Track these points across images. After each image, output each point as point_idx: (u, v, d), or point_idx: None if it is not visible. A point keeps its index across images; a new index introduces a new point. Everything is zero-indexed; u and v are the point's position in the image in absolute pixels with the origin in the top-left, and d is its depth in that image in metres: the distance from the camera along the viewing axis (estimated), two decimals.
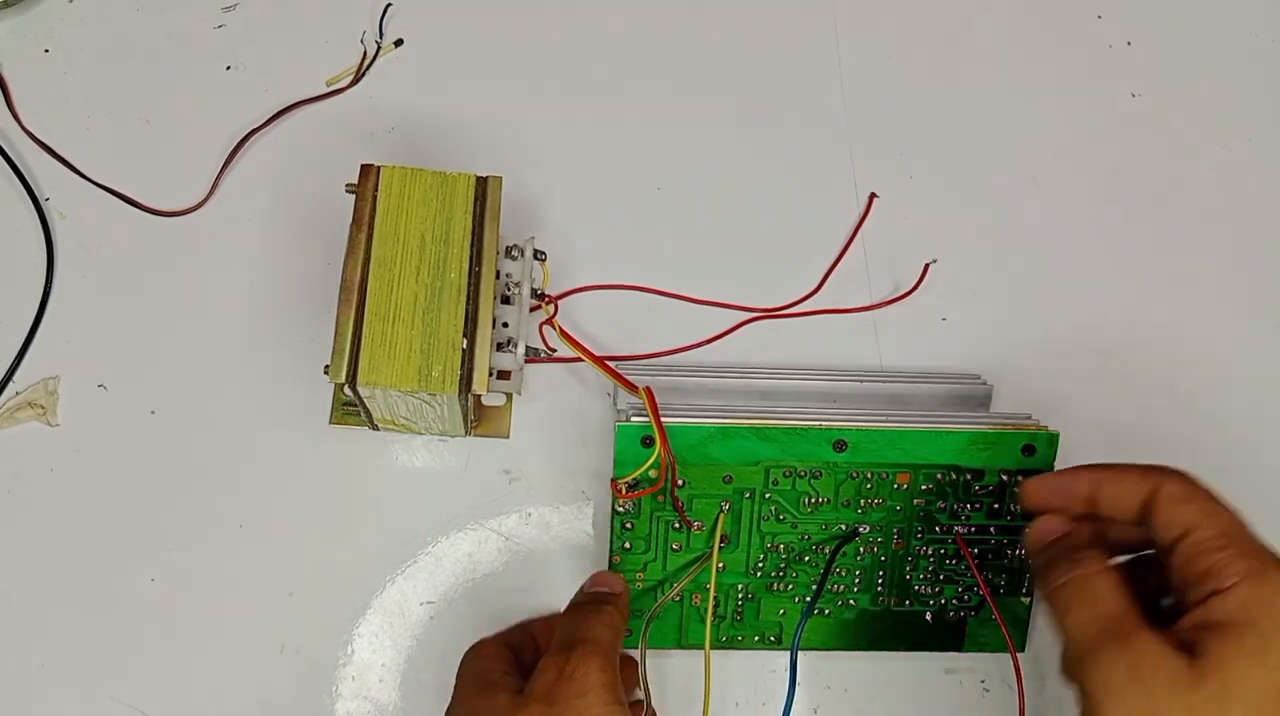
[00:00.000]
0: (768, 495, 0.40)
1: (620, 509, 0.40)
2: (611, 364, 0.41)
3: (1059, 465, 0.40)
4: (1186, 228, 0.48)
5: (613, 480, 0.39)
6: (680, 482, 0.40)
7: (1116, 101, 0.50)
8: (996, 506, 0.41)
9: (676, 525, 0.40)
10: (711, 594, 0.39)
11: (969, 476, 0.40)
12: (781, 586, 0.41)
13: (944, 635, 0.42)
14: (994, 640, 0.42)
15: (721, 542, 0.40)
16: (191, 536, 0.41)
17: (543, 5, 0.48)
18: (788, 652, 0.41)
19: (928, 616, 0.41)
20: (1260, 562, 0.32)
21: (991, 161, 0.48)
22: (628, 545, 0.40)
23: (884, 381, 0.43)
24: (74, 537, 0.41)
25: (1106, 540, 0.37)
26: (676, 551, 0.40)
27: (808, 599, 0.41)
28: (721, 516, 0.40)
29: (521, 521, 0.42)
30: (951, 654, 0.42)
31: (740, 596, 0.41)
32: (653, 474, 0.39)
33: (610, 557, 0.40)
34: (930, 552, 0.41)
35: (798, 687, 0.37)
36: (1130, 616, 0.33)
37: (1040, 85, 0.50)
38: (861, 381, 0.43)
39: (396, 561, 0.42)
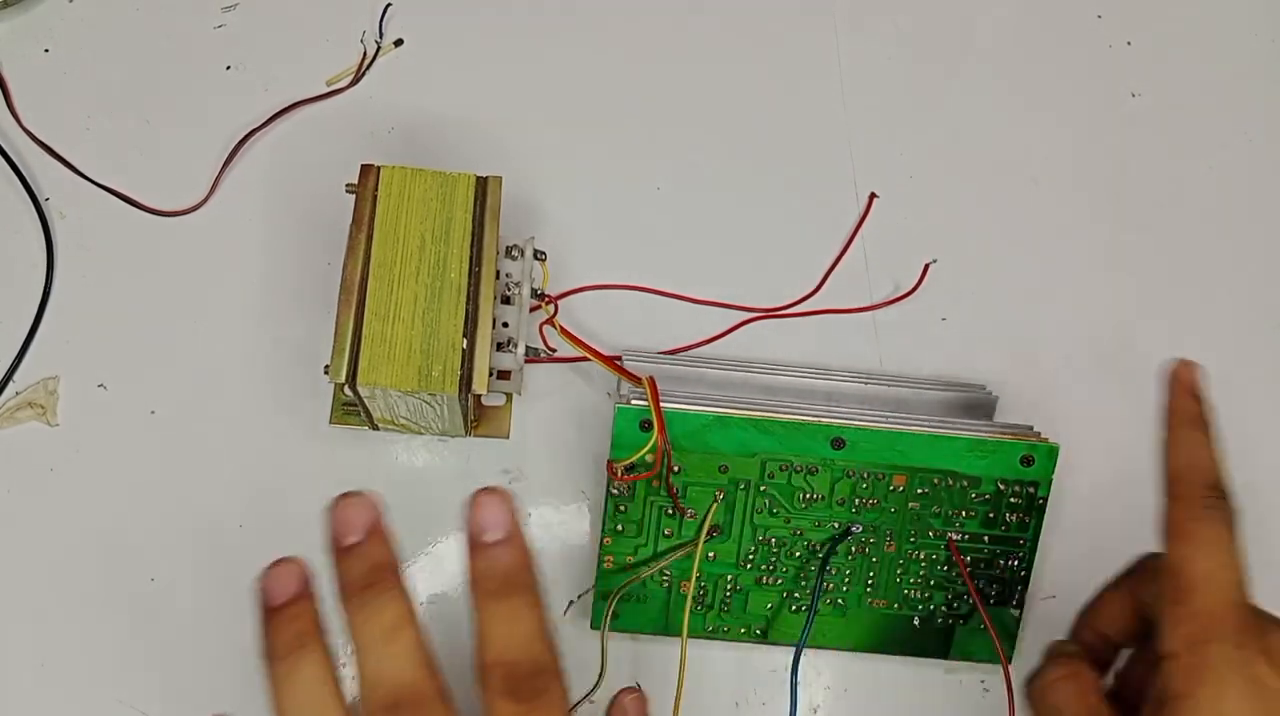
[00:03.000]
0: (763, 487, 0.40)
1: (615, 491, 0.40)
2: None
3: (1058, 477, 0.40)
4: (1186, 227, 0.48)
5: (609, 461, 0.39)
6: (676, 469, 0.40)
7: (1116, 101, 0.50)
8: (991, 515, 0.41)
9: (670, 511, 0.40)
10: (693, 581, 0.39)
11: (965, 483, 0.40)
12: (770, 580, 0.41)
13: (930, 641, 0.41)
14: (980, 649, 0.41)
15: (712, 533, 0.40)
16: (191, 536, 0.41)
17: (543, 5, 0.48)
18: (780, 649, 0.41)
19: (915, 621, 0.41)
20: (1201, 629, 0.29)
21: (991, 161, 0.48)
22: (620, 527, 0.40)
23: (889, 385, 0.43)
24: (74, 537, 0.41)
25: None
26: (668, 537, 0.40)
27: (805, 606, 0.41)
28: (714, 507, 0.40)
29: (521, 521, 0.42)
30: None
31: (728, 587, 0.41)
32: (649, 458, 0.39)
33: (601, 539, 0.40)
34: (922, 557, 0.41)
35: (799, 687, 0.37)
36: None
37: (1040, 85, 0.50)
38: (866, 383, 0.43)
39: None
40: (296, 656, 0.26)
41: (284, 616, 0.27)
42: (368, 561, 0.27)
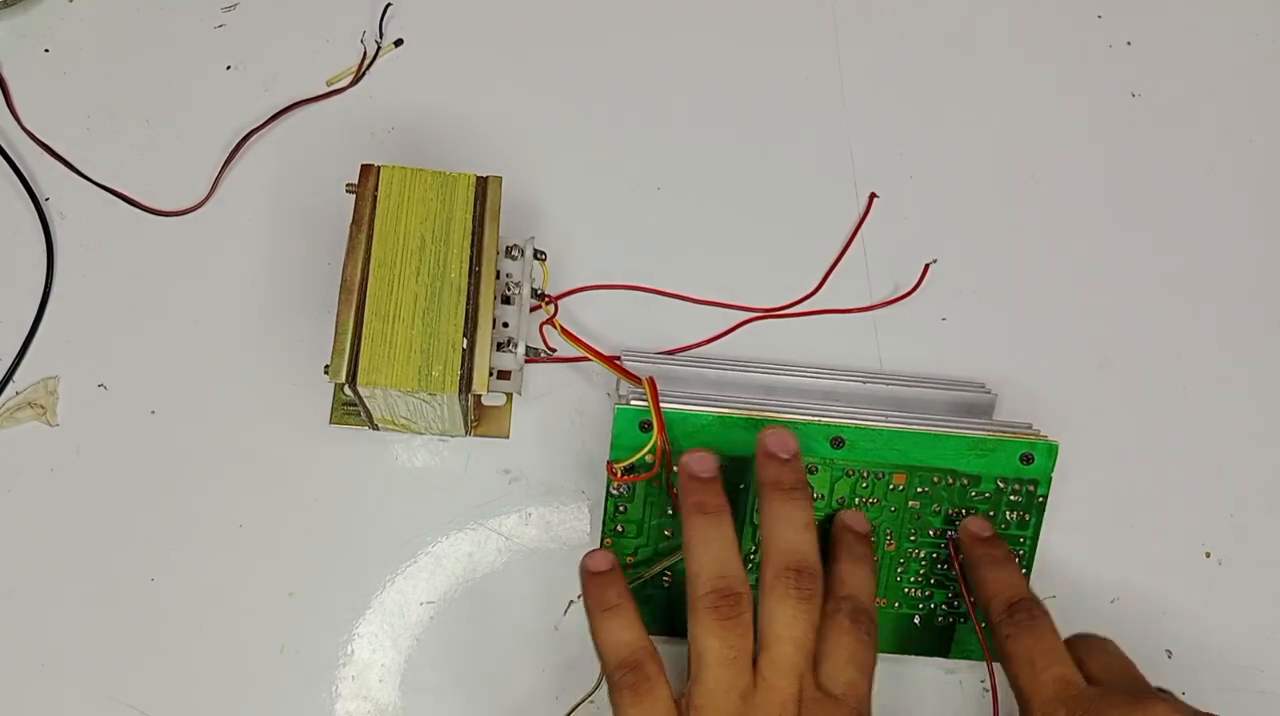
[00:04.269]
0: None
1: (615, 491, 0.40)
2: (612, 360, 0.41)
3: (1057, 475, 0.40)
4: (1186, 227, 0.48)
5: (609, 462, 0.39)
6: (676, 469, 0.39)
7: (1116, 101, 0.50)
8: (991, 513, 0.41)
9: (670, 511, 0.40)
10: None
11: (965, 481, 0.40)
12: None
13: (931, 640, 0.41)
14: (981, 649, 0.41)
15: None
16: (191, 536, 0.41)
17: (543, 5, 0.48)
18: None
19: (916, 620, 0.41)
20: None
21: (991, 161, 0.48)
22: (620, 528, 0.40)
23: (888, 384, 0.43)
24: (74, 537, 0.41)
25: None
26: (668, 537, 0.40)
27: None
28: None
29: (521, 521, 0.42)
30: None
31: None
32: (649, 458, 0.39)
33: (602, 540, 0.40)
34: (922, 556, 0.41)
35: None
36: None
37: (1040, 85, 0.50)
38: (865, 382, 0.43)
39: (396, 561, 0.42)
40: (719, 514, 0.36)
41: (711, 487, 0.36)
42: (797, 473, 0.37)
